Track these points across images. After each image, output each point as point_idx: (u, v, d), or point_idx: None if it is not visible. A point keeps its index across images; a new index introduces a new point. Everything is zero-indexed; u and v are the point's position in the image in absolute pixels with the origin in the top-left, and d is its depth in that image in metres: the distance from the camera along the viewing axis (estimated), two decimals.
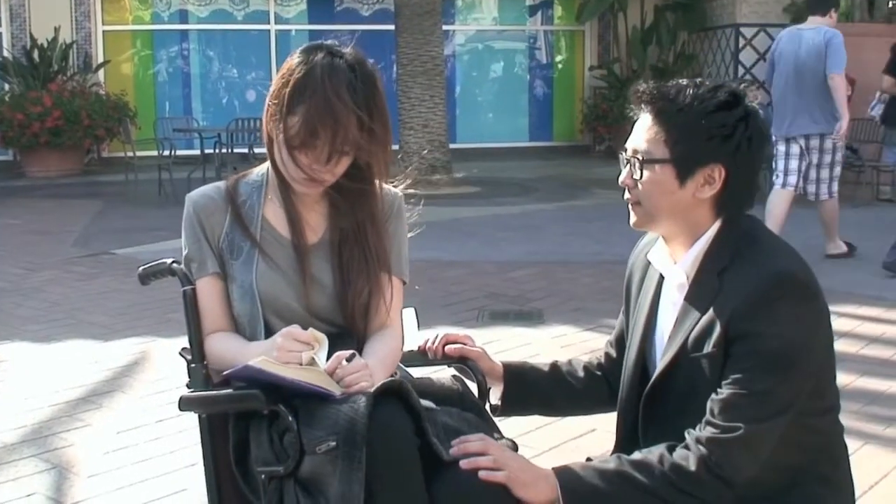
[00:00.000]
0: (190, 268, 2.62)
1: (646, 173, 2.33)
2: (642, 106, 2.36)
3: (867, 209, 12.93)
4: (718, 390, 2.21)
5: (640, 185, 2.35)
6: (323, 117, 2.41)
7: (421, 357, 2.82)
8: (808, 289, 2.22)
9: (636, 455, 2.26)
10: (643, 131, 2.35)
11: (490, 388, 2.74)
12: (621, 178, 2.41)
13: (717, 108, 2.28)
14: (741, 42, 18.38)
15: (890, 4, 16.67)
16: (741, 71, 18.23)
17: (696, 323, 2.27)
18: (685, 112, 2.28)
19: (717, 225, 2.34)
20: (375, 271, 2.64)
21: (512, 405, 2.78)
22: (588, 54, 21.17)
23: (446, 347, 2.77)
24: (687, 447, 2.21)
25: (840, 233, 9.41)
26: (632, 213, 2.42)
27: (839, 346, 6.17)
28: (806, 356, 2.19)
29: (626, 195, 2.40)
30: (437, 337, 2.79)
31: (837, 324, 6.62)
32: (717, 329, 2.22)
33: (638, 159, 2.34)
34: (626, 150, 2.39)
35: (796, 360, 2.17)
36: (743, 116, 2.29)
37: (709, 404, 2.22)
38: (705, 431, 2.20)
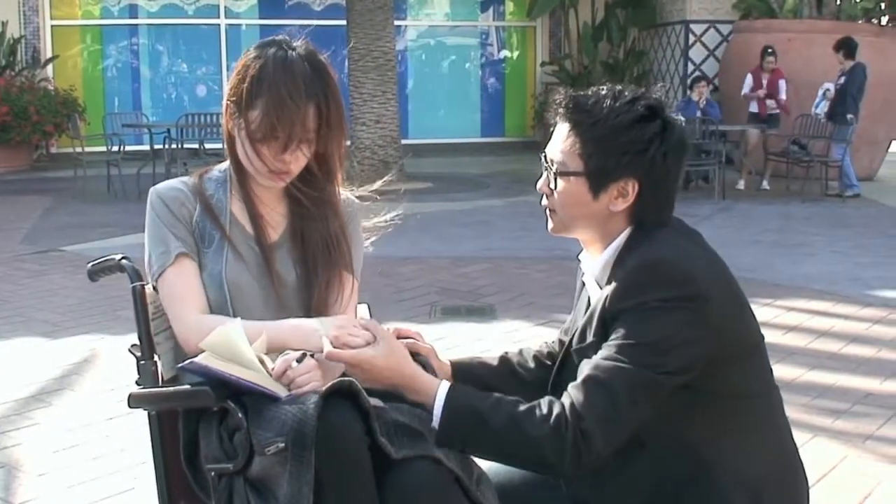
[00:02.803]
0: (166, 252, 2.57)
1: (560, 184, 2.34)
2: (559, 116, 2.36)
3: (815, 204, 13.08)
4: (587, 361, 2.23)
5: (555, 195, 2.37)
6: (282, 108, 2.45)
7: None
8: (679, 276, 2.20)
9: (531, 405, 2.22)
10: (559, 141, 2.35)
11: None
12: (539, 185, 2.42)
13: (633, 123, 2.27)
14: (691, 39, 18.48)
15: (838, 2, 16.80)
16: (691, 67, 18.32)
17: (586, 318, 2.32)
18: (600, 125, 2.28)
19: (627, 231, 2.34)
20: (337, 268, 2.66)
21: None
22: (539, 50, 21.22)
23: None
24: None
25: (790, 227, 9.54)
26: (549, 220, 2.43)
27: (789, 339, 6.30)
28: (671, 346, 2.16)
29: (544, 201, 2.42)
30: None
31: (787, 318, 6.72)
32: (596, 317, 2.26)
33: (553, 170, 2.35)
34: (545, 156, 2.39)
35: (658, 347, 2.16)
36: (659, 131, 2.28)
37: (579, 371, 2.23)
38: (567, 397, 2.18)
